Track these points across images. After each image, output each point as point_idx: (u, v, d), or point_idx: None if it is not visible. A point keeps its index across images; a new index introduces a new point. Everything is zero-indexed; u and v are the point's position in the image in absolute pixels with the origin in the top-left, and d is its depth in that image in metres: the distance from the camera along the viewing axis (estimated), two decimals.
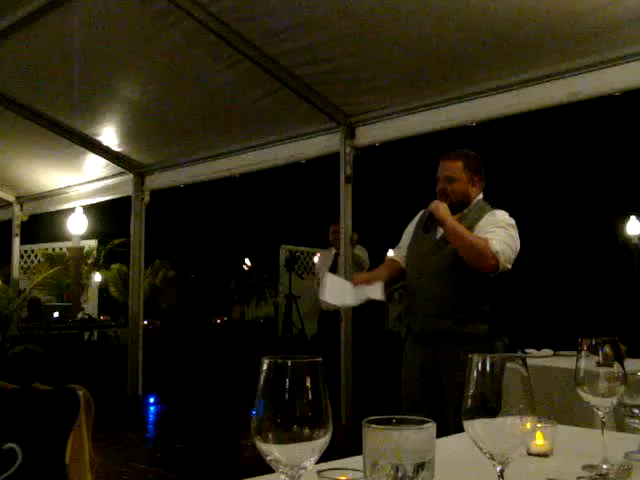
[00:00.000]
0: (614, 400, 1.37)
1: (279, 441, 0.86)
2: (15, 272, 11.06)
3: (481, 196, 3.59)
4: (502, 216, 3.44)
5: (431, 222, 3.50)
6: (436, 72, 5.84)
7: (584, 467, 1.35)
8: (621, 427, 1.59)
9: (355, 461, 1.04)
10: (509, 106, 5.73)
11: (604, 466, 1.34)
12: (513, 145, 13.86)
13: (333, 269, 7.65)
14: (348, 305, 3.77)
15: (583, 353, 1.38)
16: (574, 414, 2.66)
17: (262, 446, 0.87)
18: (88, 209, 10.48)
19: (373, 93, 6.32)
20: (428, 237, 3.55)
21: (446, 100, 6.05)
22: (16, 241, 10.94)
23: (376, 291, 3.48)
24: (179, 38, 5.95)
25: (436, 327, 3.41)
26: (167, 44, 6.12)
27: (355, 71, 6.04)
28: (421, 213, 3.72)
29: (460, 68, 5.71)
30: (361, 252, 7.60)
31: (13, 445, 0.80)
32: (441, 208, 3.42)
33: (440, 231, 3.47)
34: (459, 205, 3.49)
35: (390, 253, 3.87)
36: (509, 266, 3.35)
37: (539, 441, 1.47)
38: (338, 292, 3.62)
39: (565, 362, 3.68)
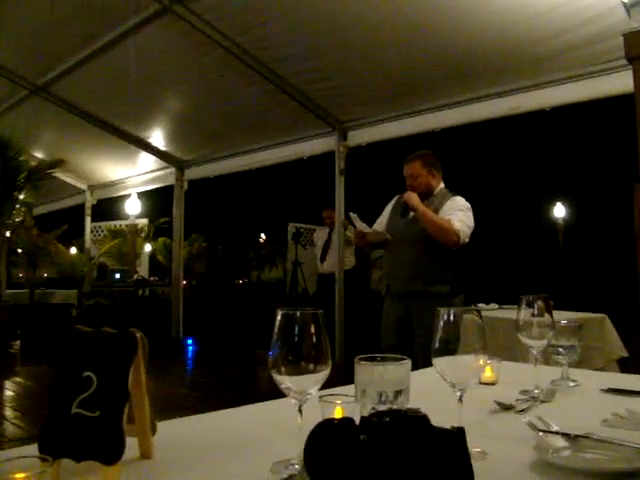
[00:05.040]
0: (545, 342, 1.38)
1: (290, 374, 0.86)
2: (87, 243, 11.12)
3: (442, 185, 3.56)
4: (460, 201, 3.44)
5: (406, 209, 3.49)
6: (409, 91, 5.82)
7: (521, 392, 1.37)
8: (549, 362, 1.60)
9: (348, 389, 1.05)
10: (465, 116, 5.75)
11: (536, 391, 1.35)
12: (469, 146, 13.81)
13: (327, 243, 7.63)
14: None
15: (522, 306, 1.38)
16: (515, 353, 2.67)
17: (277, 377, 0.87)
18: (141, 195, 10.45)
19: (361, 105, 6.30)
20: (403, 219, 3.54)
21: (416, 112, 6.07)
22: (88, 220, 11.03)
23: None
24: (211, 63, 5.91)
25: (409, 288, 3.41)
26: (202, 67, 6.08)
27: (347, 88, 6.01)
28: (397, 197, 3.69)
29: (427, 88, 5.70)
30: (350, 232, 7.57)
31: (90, 373, 0.81)
32: (413, 198, 3.42)
33: (412, 214, 3.46)
34: (425, 194, 3.48)
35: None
36: (467, 240, 3.35)
37: (488, 373, 1.48)
38: None
39: (508, 313, 3.68)
